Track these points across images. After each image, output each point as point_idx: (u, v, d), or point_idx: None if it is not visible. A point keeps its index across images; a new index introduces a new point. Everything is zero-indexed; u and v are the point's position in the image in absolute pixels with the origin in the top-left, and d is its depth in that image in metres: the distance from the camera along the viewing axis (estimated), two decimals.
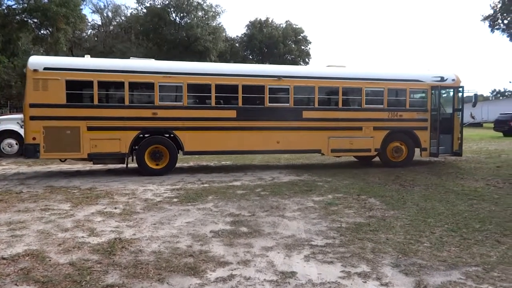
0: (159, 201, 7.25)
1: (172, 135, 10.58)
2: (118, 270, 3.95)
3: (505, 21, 21.07)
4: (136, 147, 10.40)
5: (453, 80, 12.56)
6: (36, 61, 10.12)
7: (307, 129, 11.36)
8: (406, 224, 5.56)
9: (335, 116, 11.69)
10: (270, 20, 52.62)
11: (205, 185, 8.96)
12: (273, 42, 50.16)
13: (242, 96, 10.90)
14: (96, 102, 10.14)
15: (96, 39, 52.55)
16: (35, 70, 9.73)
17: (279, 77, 11.21)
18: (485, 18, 21.64)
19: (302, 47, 53.49)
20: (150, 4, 43.26)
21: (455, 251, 4.46)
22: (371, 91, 12.09)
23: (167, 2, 42.75)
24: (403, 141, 12.19)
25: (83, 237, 5.03)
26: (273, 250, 4.56)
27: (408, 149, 12.21)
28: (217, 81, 10.80)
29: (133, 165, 10.78)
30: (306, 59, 53.27)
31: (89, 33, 51.99)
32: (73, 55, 37.71)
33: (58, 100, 9.82)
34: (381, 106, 11.98)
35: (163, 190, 8.35)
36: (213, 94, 10.76)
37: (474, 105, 13.63)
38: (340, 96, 11.67)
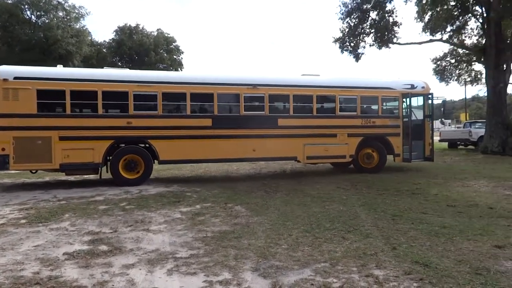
0: (2, 224, 6.30)
1: (147, 145, 10.50)
2: None
3: (352, 44, 24.26)
4: (110, 157, 10.15)
5: (422, 87, 13.18)
6: (6, 70, 9.81)
7: (283, 136, 11.55)
8: (268, 229, 5.88)
9: (310, 124, 11.89)
10: (140, 27, 51.00)
11: (62, 202, 8.12)
12: (144, 49, 48.65)
13: (218, 105, 10.99)
14: (68, 111, 9.94)
15: None
16: (5, 80, 9.47)
17: (254, 86, 11.36)
18: (336, 40, 24.55)
19: (175, 57, 53.04)
20: None
21: (308, 250, 4.87)
22: (344, 98, 12.47)
23: None
24: (374, 148, 12.64)
25: None
26: (134, 267, 4.34)
27: (379, 156, 12.62)
28: (192, 89, 10.82)
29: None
30: (179, 69, 52.93)
31: None
32: None
33: (28, 109, 9.58)
34: (355, 113, 12.39)
35: (8, 210, 7.30)
36: (188, 103, 10.78)
37: (443, 112, 15.01)
38: (314, 104, 11.94)
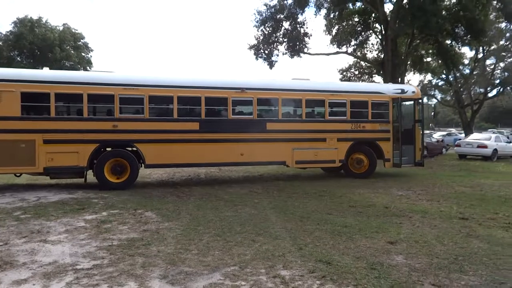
0: None
1: (133, 148, 10.26)
2: None
3: (266, 51, 25.03)
4: (96, 160, 9.89)
5: (413, 92, 13.09)
6: None
7: (271, 141, 11.35)
8: (179, 234, 5.76)
9: (299, 128, 11.74)
10: (44, 20, 46.82)
11: None
12: (48, 45, 44.67)
13: (205, 108, 10.79)
14: (53, 114, 9.73)
15: None
16: None
17: (242, 89, 11.13)
18: (251, 47, 25.15)
19: (83, 54, 49.65)
20: None
21: (218, 255, 4.87)
22: (334, 103, 12.31)
23: None
24: (364, 152, 12.48)
25: None
26: (27, 283, 3.95)
27: (369, 161, 12.48)
28: (180, 93, 10.61)
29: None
30: (87, 67, 49.68)
31: None
32: None
33: (12, 112, 9.41)
34: (345, 117, 12.23)
35: None
36: (175, 106, 10.56)
37: (434, 116, 14.99)
38: (303, 108, 11.76)
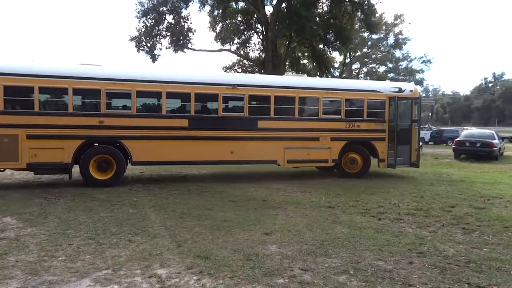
0: None
1: (119, 145, 9.98)
2: None
3: (148, 44, 24.16)
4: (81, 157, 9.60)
5: (411, 91, 12.55)
6: None
7: (263, 139, 10.99)
8: (43, 240, 5.21)
9: (291, 126, 11.31)
10: None
11: None
12: None
13: (195, 105, 10.50)
14: (36, 109, 9.44)
15: None
16: None
17: (233, 86, 10.78)
18: (132, 39, 23.99)
19: None
20: None
21: (89, 259, 4.54)
22: (328, 101, 11.82)
23: None
24: (358, 152, 12.04)
25: None
26: None
27: (363, 160, 12.03)
28: (168, 88, 10.29)
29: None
30: None
31: None
32: None
33: None
34: (339, 116, 11.79)
35: None
36: (163, 102, 10.30)
37: (431, 116, 13.94)
38: (296, 106, 11.32)
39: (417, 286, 3.95)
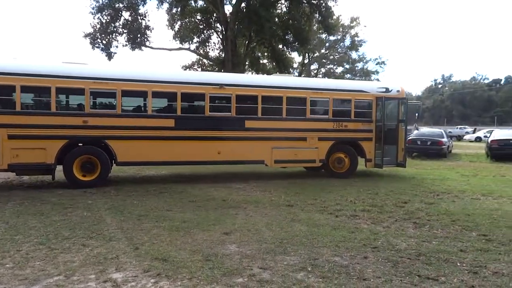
0: None
1: (104, 145, 9.81)
2: None
3: (104, 42, 23.37)
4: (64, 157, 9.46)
5: (398, 91, 12.49)
6: None
7: (250, 139, 10.96)
8: None
9: (279, 126, 11.27)
10: None
11: None
12: None
13: (181, 105, 10.37)
14: (18, 108, 9.18)
15: None
16: None
17: (220, 85, 10.72)
18: (86, 36, 23.11)
19: None
20: None
21: (39, 265, 4.33)
22: (316, 101, 11.78)
23: None
24: (345, 152, 12.05)
25: None
26: None
27: (350, 160, 12.02)
28: (154, 88, 10.15)
29: None
30: None
31: None
32: None
33: None
34: (326, 116, 11.81)
35: None
36: (149, 102, 10.20)
37: (418, 117, 13.62)
38: (284, 106, 11.28)
39: (371, 280, 4.09)
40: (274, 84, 11.63)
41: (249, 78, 12.63)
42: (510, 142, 18.14)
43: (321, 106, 12.02)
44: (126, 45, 24.25)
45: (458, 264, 4.57)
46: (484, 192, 9.59)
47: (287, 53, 29.58)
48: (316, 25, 30.74)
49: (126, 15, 23.69)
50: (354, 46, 48.14)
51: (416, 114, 14.93)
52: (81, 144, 9.83)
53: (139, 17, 23.85)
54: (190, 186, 10.12)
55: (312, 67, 49.21)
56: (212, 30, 27.58)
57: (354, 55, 50.05)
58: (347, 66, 51.21)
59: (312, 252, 4.93)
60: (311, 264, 4.48)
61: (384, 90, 12.57)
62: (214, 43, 29.00)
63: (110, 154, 9.93)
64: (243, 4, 23.19)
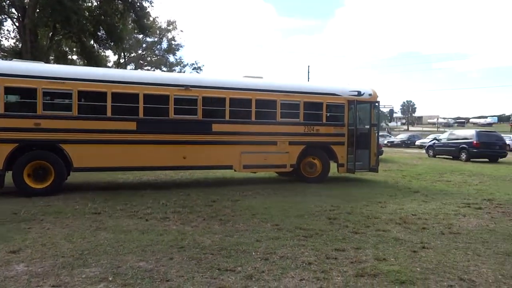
0: None
1: (59, 149, 9.19)
2: None
3: None
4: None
5: (370, 94, 12.29)
6: None
7: (217, 143, 10.62)
8: None
9: (248, 130, 10.93)
10: None
11: None
12: None
13: (144, 107, 9.87)
14: None
15: None
16: None
17: (186, 87, 10.32)
18: None
19: None
20: None
21: None
22: (286, 104, 11.39)
23: None
24: (317, 156, 11.77)
25: None
26: None
27: (322, 165, 11.79)
28: (114, 89, 9.62)
29: None
30: None
31: None
32: None
33: None
34: (297, 119, 11.50)
35: None
36: (109, 104, 9.58)
37: (390, 120, 11.26)
38: (253, 109, 10.97)
39: (174, 280, 4.15)
40: (243, 86, 11.23)
41: (217, 79, 11.54)
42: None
43: (292, 109, 11.58)
44: None
45: (253, 253, 5.07)
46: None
47: (100, 50, 27.73)
48: (132, 24, 29.80)
49: None
50: (171, 49, 48.51)
51: (389, 118, 17.03)
52: (34, 149, 9.17)
53: None
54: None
55: (129, 67, 47.45)
56: (6, 16, 23.61)
57: (171, 58, 50.45)
58: (165, 69, 51.29)
59: (116, 260, 4.70)
60: (113, 273, 4.27)
61: (356, 93, 12.43)
62: (8, 30, 24.96)
63: (65, 159, 9.30)
64: None
